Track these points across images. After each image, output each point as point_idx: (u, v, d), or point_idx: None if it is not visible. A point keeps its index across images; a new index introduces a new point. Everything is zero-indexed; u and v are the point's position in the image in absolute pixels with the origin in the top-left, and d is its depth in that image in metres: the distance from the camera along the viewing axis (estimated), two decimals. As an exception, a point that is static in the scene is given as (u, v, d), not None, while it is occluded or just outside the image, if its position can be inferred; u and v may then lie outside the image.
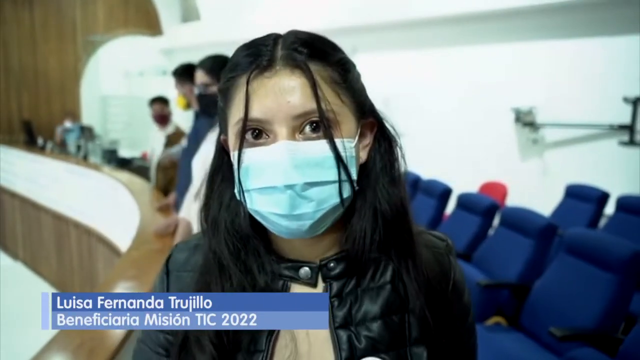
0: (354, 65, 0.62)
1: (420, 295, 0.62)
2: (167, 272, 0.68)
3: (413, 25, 5.46)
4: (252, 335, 0.61)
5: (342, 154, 0.57)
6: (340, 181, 0.57)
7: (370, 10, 5.61)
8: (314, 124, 0.56)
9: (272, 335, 0.61)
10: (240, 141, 0.57)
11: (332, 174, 0.57)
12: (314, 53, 0.58)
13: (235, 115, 0.58)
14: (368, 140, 0.63)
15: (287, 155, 0.55)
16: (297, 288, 0.64)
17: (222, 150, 0.65)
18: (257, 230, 0.63)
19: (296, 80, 0.56)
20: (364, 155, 0.63)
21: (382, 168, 0.63)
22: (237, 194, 0.60)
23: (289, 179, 0.55)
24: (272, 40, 0.59)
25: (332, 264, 0.63)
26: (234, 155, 0.59)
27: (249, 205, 0.59)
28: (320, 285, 0.64)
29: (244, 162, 0.58)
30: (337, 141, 0.57)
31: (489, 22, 4.96)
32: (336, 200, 0.57)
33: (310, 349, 0.62)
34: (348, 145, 0.58)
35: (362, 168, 0.62)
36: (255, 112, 0.56)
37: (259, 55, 0.58)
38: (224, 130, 0.63)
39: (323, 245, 0.63)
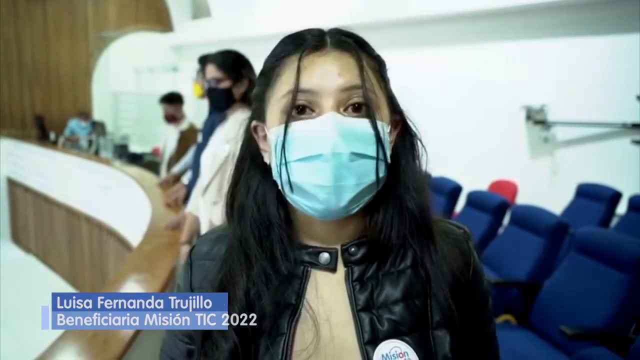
0: (386, 65, 0.66)
1: (443, 284, 0.63)
2: (190, 262, 0.71)
3: (422, 23, 5.44)
4: (275, 320, 0.62)
5: (381, 135, 0.60)
6: (378, 159, 0.59)
7: (382, 8, 5.59)
8: (357, 104, 0.60)
9: (293, 318, 0.63)
10: (289, 110, 0.59)
11: (373, 150, 0.59)
12: (358, 44, 0.63)
13: (283, 89, 0.61)
14: (392, 136, 0.65)
15: (335, 125, 0.57)
16: (317, 274, 0.65)
17: (251, 137, 0.67)
18: (282, 217, 0.65)
19: (346, 59, 0.61)
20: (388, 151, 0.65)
21: (406, 163, 0.66)
22: (274, 169, 0.61)
23: (337, 147, 0.57)
24: (317, 30, 0.64)
25: (353, 249, 0.65)
26: (273, 132, 0.61)
27: (284, 180, 0.60)
28: (340, 270, 0.65)
29: (289, 134, 0.59)
30: (378, 122, 0.60)
31: (500, 19, 4.92)
32: (373, 177, 0.60)
33: (331, 331, 0.62)
34: (385, 129, 0.61)
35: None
36: (305, 84, 0.59)
37: (306, 40, 0.62)
38: (258, 116, 0.65)
39: (345, 232, 0.65)
